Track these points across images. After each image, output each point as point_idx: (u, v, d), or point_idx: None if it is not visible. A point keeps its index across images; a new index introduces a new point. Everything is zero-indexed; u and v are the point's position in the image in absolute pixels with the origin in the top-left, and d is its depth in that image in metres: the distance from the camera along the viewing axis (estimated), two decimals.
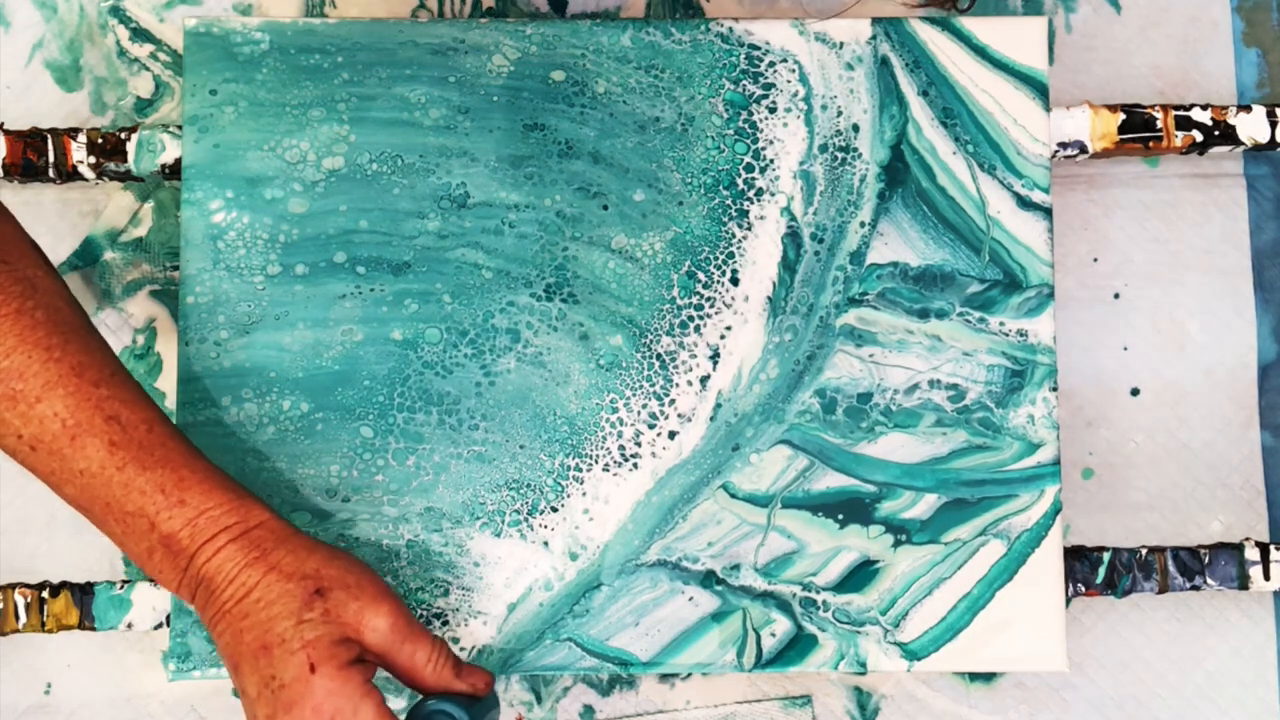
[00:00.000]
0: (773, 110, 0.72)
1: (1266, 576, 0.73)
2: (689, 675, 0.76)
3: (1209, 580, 0.73)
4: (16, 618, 0.71)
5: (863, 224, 0.72)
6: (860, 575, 0.70)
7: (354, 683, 0.57)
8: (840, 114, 0.72)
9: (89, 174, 0.74)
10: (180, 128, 0.73)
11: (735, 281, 0.71)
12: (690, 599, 0.70)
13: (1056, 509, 0.70)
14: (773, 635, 0.70)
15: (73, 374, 0.59)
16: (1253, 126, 0.75)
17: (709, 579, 0.70)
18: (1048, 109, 0.73)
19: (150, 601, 0.71)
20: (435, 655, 0.61)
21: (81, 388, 0.59)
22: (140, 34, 0.79)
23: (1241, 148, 0.75)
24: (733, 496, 0.70)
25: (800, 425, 0.71)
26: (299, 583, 0.59)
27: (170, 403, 0.77)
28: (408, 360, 0.70)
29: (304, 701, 0.57)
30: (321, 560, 0.60)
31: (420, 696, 0.62)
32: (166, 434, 0.61)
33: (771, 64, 0.73)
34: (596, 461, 0.70)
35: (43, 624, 0.71)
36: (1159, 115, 0.75)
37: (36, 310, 0.59)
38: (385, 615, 0.59)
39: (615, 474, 0.70)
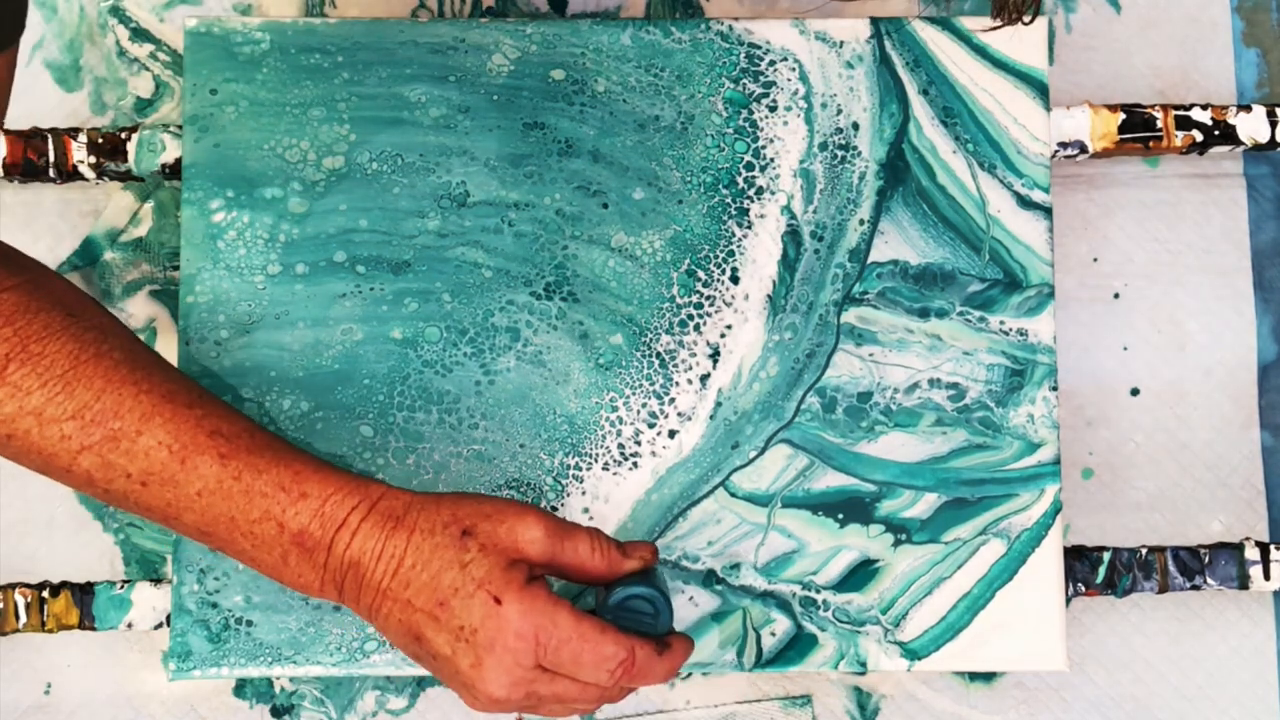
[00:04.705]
0: (773, 109, 0.72)
1: (1266, 576, 0.73)
2: (689, 675, 0.76)
3: (1209, 580, 0.73)
4: (16, 618, 0.71)
5: (862, 222, 0.72)
6: (860, 575, 0.70)
7: (540, 597, 0.57)
8: (840, 112, 0.72)
9: (89, 174, 0.74)
10: (180, 128, 0.73)
11: (735, 280, 0.71)
12: (690, 599, 0.70)
13: (1056, 509, 0.70)
14: (773, 635, 0.70)
15: (165, 401, 0.59)
16: (1253, 126, 0.75)
17: (709, 578, 0.70)
18: (1048, 108, 0.73)
19: (150, 601, 0.71)
20: (596, 544, 0.60)
21: (177, 411, 0.59)
22: (140, 34, 0.79)
23: (1241, 148, 0.75)
24: (733, 495, 0.70)
25: (800, 424, 0.71)
26: (444, 532, 0.58)
27: None
28: (407, 359, 0.70)
29: (503, 634, 0.57)
30: (451, 504, 0.60)
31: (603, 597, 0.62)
32: (268, 438, 0.60)
33: (771, 63, 0.73)
34: (596, 460, 0.70)
35: (43, 624, 0.71)
36: (1159, 115, 0.75)
37: (114, 351, 0.59)
38: (535, 524, 0.59)
39: (615, 473, 0.70)
